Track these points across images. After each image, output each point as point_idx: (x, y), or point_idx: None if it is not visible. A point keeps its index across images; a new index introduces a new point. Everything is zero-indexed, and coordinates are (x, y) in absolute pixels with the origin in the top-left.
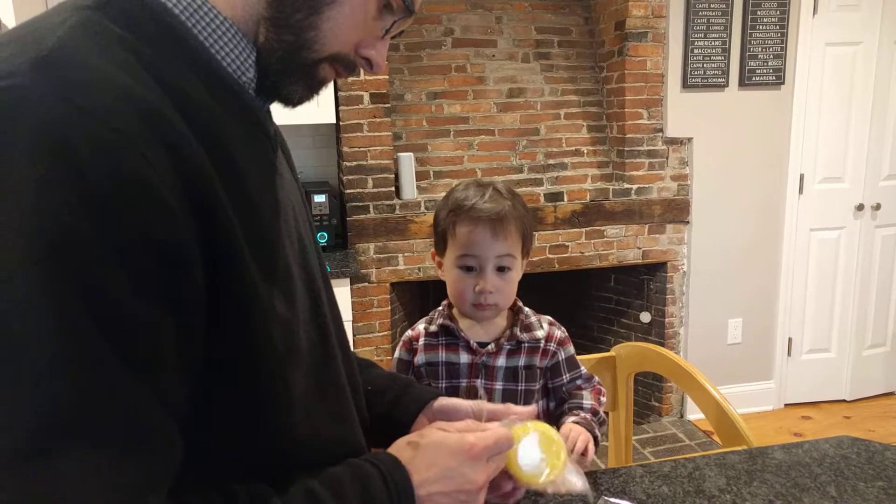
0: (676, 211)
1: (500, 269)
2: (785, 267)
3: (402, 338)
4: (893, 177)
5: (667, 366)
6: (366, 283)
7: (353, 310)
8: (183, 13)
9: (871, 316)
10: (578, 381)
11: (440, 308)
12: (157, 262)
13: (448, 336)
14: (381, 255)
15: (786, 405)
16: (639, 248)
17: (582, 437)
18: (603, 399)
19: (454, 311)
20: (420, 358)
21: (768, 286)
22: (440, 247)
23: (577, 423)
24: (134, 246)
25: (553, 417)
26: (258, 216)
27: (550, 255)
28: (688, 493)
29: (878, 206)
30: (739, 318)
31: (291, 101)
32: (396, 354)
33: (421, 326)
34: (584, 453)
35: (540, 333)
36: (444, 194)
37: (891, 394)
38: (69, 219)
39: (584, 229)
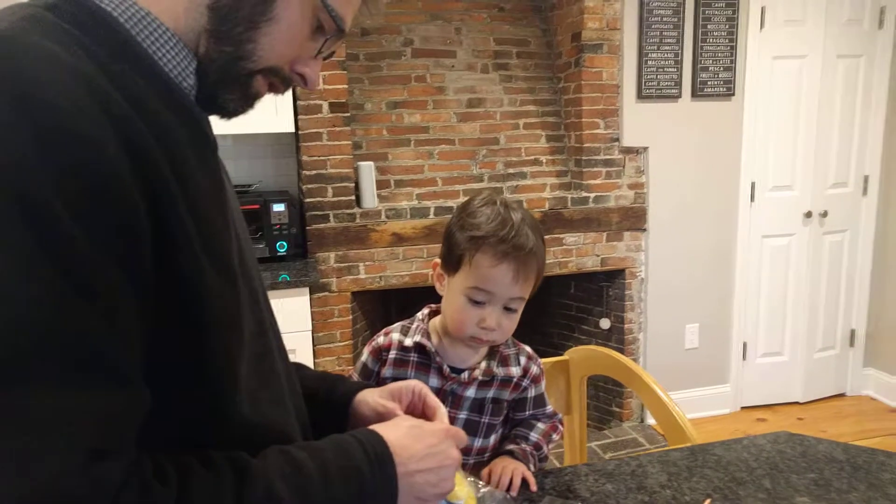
0: (633, 219)
1: (508, 309)
2: (739, 273)
3: (373, 343)
4: (839, 185)
5: (617, 368)
6: (326, 293)
7: (313, 319)
8: (127, 22)
9: (821, 320)
10: (540, 417)
11: (419, 317)
12: (111, 220)
13: (421, 355)
14: (342, 265)
15: (742, 408)
16: (597, 256)
17: (515, 471)
18: (555, 437)
19: (433, 323)
20: (388, 371)
21: (723, 292)
22: (450, 265)
23: (511, 451)
24: (89, 201)
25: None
26: (199, 200)
27: None
28: (630, 490)
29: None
30: (696, 324)
31: (227, 111)
32: (363, 359)
33: (395, 336)
34: (509, 488)
35: (515, 370)
36: (406, 203)
37: (842, 395)
38: (29, 175)
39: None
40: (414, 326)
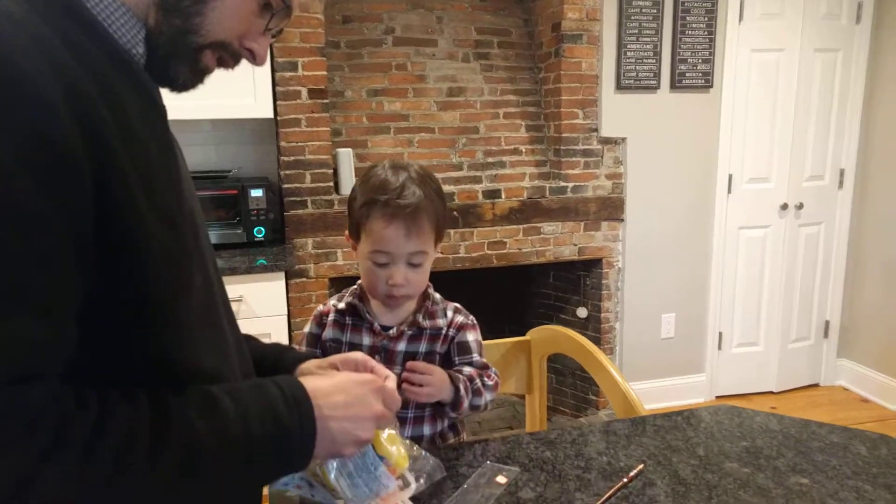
0: (611, 209)
1: (412, 264)
2: (715, 263)
3: (314, 312)
4: (815, 178)
5: (574, 347)
6: (304, 279)
7: (290, 305)
8: None
9: (796, 311)
10: (475, 364)
11: (354, 286)
12: (49, 159)
13: (354, 316)
14: (320, 251)
15: (717, 397)
16: (575, 245)
17: (437, 380)
18: (488, 381)
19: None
20: (328, 333)
21: (699, 282)
22: (353, 234)
23: (448, 372)
24: (24, 138)
25: None
26: (143, 155)
27: (489, 251)
28: (567, 457)
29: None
30: (672, 313)
31: (177, 84)
32: (307, 328)
33: (332, 302)
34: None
35: (442, 321)
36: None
37: (815, 385)
38: None
39: (521, 226)
40: (347, 293)
